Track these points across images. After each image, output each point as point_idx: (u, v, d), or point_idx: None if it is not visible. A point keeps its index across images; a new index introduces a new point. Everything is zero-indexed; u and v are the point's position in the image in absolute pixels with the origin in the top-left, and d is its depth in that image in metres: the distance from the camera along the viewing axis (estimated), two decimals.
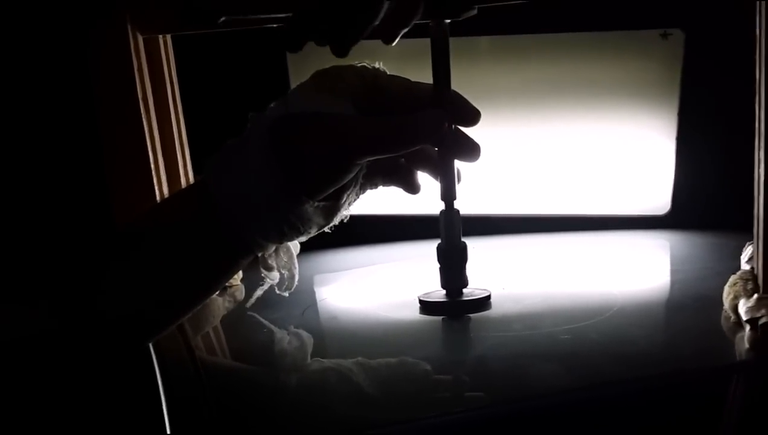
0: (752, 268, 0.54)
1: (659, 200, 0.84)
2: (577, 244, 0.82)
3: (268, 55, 0.82)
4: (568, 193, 0.85)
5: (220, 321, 0.62)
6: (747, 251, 0.57)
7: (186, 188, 0.51)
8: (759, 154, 0.50)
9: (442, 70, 0.51)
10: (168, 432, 0.46)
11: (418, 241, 0.80)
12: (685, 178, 0.82)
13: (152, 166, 0.59)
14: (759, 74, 0.50)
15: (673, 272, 0.68)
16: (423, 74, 0.52)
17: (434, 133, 0.48)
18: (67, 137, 0.79)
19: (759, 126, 0.50)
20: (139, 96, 0.57)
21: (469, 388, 0.46)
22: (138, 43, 0.58)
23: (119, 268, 0.47)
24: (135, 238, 0.48)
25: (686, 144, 0.81)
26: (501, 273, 0.69)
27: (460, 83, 0.52)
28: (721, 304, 0.53)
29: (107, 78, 0.57)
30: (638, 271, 0.71)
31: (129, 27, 0.56)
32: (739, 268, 0.56)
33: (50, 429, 0.50)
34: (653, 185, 0.83)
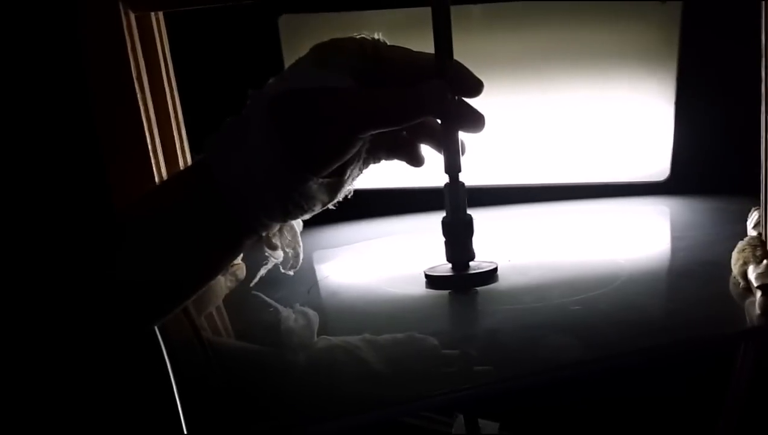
0: (759, 233, 0.53)
1: (658, 166, 0.84)
2: (578, 212, 0.81)
3: (260, 30, 0.81)
4: (566, 160, 0.84)
5: (224, 301, 0.61)
6: (753, 217, 0.56)
7: (185, 169, 0.50)
8: (766, 119, 0.50)
9: (444, 40, 0.50)
10: (180, 412, 0.46)
11: (420, 213, 0.80)
12: (684, 143, 0.82)
13: (149, 146, 0.58)
14: (765, 35, 0.49)
15: (676, 238, 0.68)
16: (422, 44, 0.51)
17: (439, 105, 0.48)
18: (62, 120, 0.77)
19: (765, 90, 0.49)
20: (134, 76, 0.56)
21: (480, 363, 0.46)
22: (130, 21, 0.56)
23: (122, 252, 0.46)
24: (136, 221, 0.47)
25: (685, 109, 0.80)
26: (504, 244, 0.69)
27: (454, 52, 0.51)
28: (728, 269, 0.53)
29: (100, 58, 0.55)
30: (641, 239, 0.71)
31: (120, 4, 0.55)
32: (742, 232, 0.56)
33: (57, 412, 0.49)
34: (652, 151, 0.83)
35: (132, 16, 0.56)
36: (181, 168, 0.62)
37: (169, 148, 0.61)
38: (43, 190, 0.79)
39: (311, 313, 0.56)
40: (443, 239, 0.55)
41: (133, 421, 0.51)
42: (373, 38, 0.50)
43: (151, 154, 0.58)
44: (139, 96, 0.57)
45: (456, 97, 0.50)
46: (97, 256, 0.46)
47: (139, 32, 0.57)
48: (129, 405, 0.52)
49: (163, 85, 0.60)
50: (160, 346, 0.51)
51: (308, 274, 0.64)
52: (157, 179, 0.59)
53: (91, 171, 0.73)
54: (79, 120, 0.74)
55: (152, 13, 0.58)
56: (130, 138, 0.57)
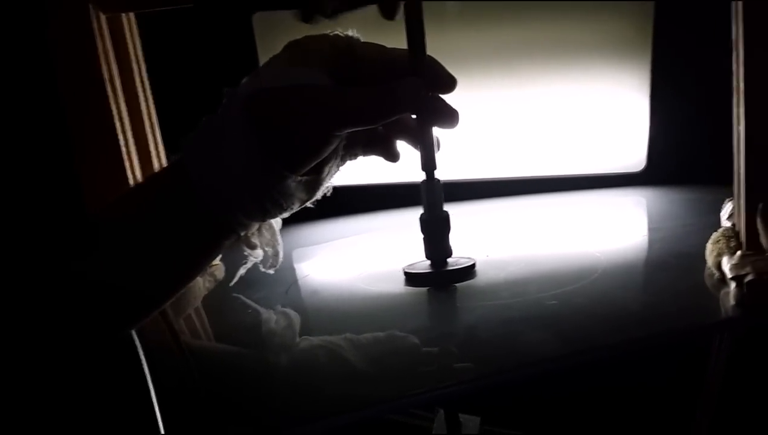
0: (733, 224, 0.54)
1: (635, 157, 0.84)
2: (555, 205, 0.82)
3: (234, 29, 0.81)
4: (543, 153, 0.84)
5: (202, 302, 0.61)
6: (727, 208, 0.57)
7: (161, 170, 0.50)
8: (737, 111, 0.50)
9: (417, 36, 0.50)
10: (159, 419, 0.45)
11: (400, 209, 0.80)
12: (659, 134, 0.83)
13: (123, 149, 0.57)
14: (735, 30, 0.49)
15: (652, 230, 0.68)
16: (397, 41, 0.51)
17: (414, 101, 0.48)
18: (33, 124, 0.76)
19: (737, 83, 0.50)
20: (105, 78, 0.55)
21: (460, 359, 0.46)
22: (101, 22, 0.55)
23: (98, 256, 0.45)
24: (112, 224, 0.47)
25: (660, 100, 0.81)
26: (482, 239, 0.69)
27: (430, 48, 0.51)
28: (704, 260, 0.53)
29: (70, 61, 0.55)
30: (618, 231, 0.71)
31: (90, 6, 0.54)
32: (717, 223, 0.56)
33: (30, 414, 0.49)
34: (628, 142, 0.84)
35: (102, 18, 0.56)
36: (156, 169, 0.62)
37: (143, 149, 0.61)
38: (14, 193, 0.77)
39: (293, 313, 0.56)
40: (421, 236, 0.55)
41: (110, 426, 0.51)
42: (347, 35, 0.50)
43: (124, 156, 0.58)
44: (111, 98, 0.56)
45: (430, 93, 0.50)
46: (72, 261, 0.46)
47: (110, 33, 0.57)
48: (106, 410, 0.52)
49: (136, 86, 0.60)
50: (137, 351, 0.51)
51: (288, 273, 0.64)
52: (131, 181, 0.58)
53: (63, 174, 0.72)
54: (51, 123, 0.73)
55: (123, 15, 0.58)
56: (102, 141, 0.56)
